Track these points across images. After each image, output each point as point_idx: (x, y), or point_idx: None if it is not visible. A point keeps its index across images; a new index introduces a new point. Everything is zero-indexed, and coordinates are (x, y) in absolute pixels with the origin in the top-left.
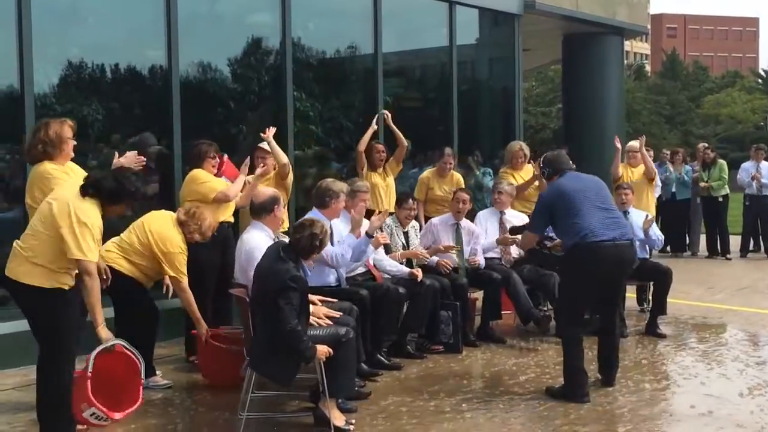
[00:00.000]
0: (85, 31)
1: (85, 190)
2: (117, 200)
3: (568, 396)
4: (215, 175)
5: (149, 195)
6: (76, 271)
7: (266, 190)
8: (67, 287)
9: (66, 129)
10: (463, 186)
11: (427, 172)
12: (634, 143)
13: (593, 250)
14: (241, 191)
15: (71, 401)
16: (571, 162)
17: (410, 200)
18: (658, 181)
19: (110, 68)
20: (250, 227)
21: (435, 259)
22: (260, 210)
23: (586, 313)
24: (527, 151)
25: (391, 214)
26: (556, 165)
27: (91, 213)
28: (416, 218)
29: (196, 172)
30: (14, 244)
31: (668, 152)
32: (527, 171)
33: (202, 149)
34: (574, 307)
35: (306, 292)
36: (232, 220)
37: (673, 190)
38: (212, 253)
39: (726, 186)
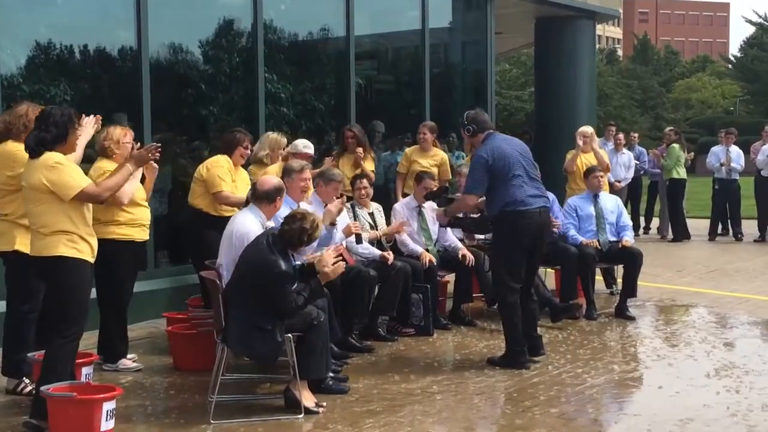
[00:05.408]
0: (53, 10)
1: (35, 150)
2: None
3: (510, 363)
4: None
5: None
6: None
7: (272, 179)
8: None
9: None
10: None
11: (410, 149)
12: (585, 129)
13: (524, 216)
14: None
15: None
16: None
17: (362, 179)
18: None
19: (79, 49)
20: (245, 209)
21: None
22: (263, 197)
23: (519, 280)
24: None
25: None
26: (481, 123)
27: (57, 156)
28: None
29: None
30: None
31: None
32: None
33: (238, 137)
34: (509, 273)
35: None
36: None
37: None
38: None
39: (674, 170)
